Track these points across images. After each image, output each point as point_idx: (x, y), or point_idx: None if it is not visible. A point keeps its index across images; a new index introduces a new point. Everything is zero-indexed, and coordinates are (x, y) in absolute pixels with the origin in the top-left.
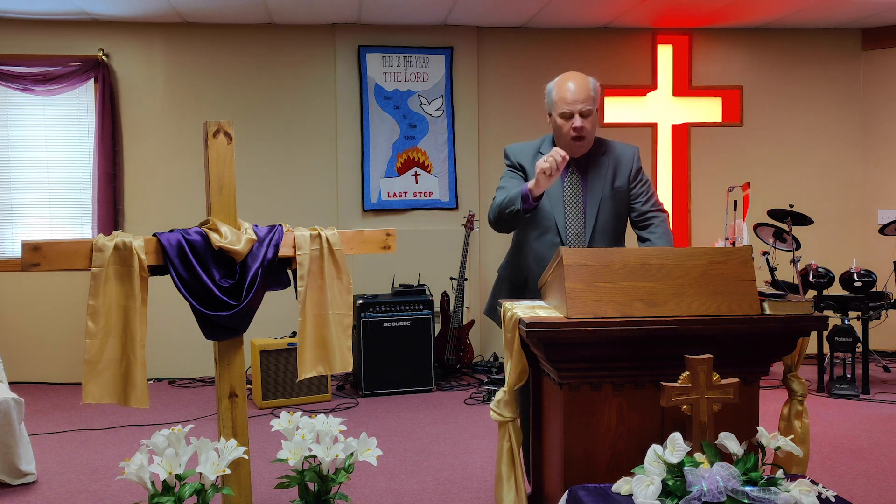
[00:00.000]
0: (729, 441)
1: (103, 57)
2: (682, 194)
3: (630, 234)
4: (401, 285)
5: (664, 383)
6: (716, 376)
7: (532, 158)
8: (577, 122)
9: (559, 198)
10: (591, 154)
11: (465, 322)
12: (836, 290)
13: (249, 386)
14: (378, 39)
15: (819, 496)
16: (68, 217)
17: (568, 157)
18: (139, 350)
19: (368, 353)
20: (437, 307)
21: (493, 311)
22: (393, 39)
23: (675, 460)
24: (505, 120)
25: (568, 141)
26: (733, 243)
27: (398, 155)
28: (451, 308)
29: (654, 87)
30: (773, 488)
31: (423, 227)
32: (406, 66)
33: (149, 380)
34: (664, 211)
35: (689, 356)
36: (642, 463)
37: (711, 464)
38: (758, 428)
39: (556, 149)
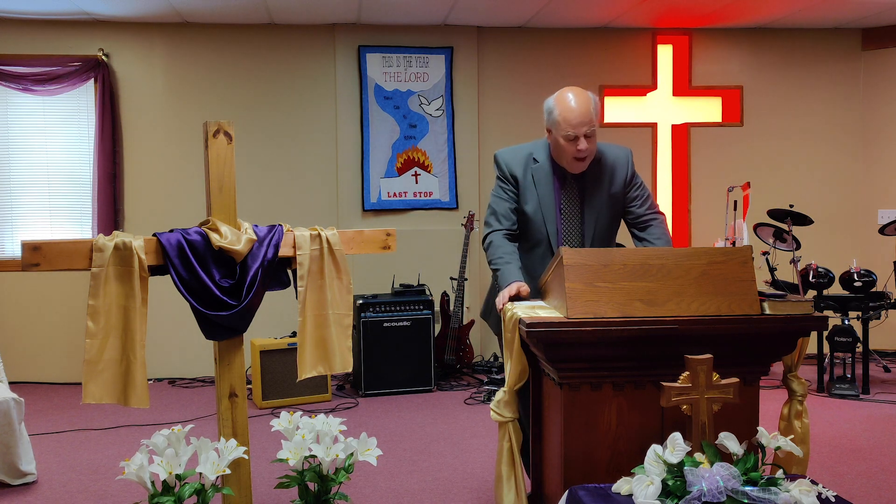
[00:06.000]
0: (729, 441)
1: (103, 57)
2: (682, 194)
3: (623, 237)
4: (401, 285)
5: (664, 383)
6: (716, 376)
7: (524, 167)
8: (583, 144)
9: (553, 209)
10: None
11: (465, 322)
12: (836, 290)
13: (249, 386)
14: (378, 39)
15: (819, 496)
16: (68, 217)
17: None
18: (139, 350)
19: (368, 353)
20: (437, 307)
21: (487, 314)
22: (393, 39)
23: (675, 460)
24: (505, 120)
25: (569, 160)
26: (733, 243)
27: (398, 155)
28: (451, 308)
29: (654, 87)
30: (773, 488)
31: (423, 227)
32: (406, 66)
33: (149, 380)
34: (662, 213)
35: (689, 356)
36: (642, 463)
37: (711, 464)
38: (758, 428)
39: (509, 288)
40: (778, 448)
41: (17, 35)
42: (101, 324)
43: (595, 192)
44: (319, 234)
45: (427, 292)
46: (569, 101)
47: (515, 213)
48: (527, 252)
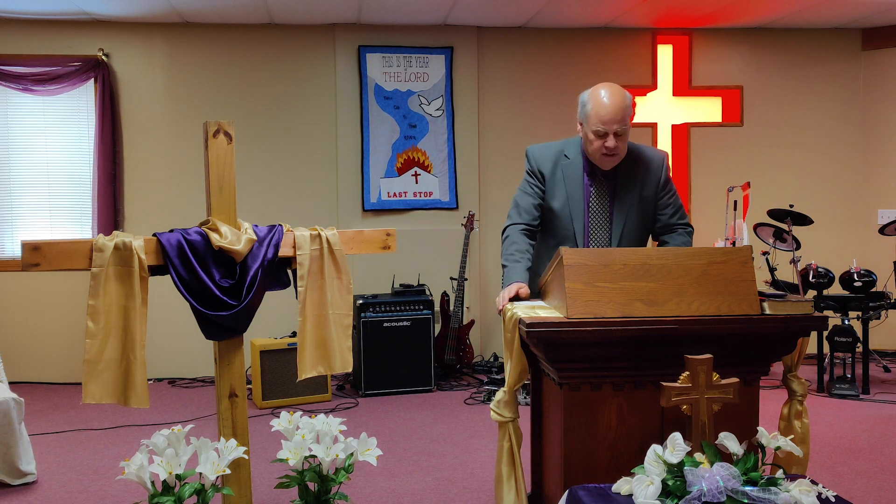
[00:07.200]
0: (729, 441)
1: (103, 57)
2: (682, 194)
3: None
4: (401, 285)
5: (664, 383)
6: (716, 376)
7: (554, 163)
8: (611, 142)
9: (582, 206)
10: (619, 161)
11: (465, 322)
12: (836, 290)
13: (249, 386)
14: (378, 39)
15: (819, 496)
16: (68, 217)
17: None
18: (139, 350)
19: (368, 353)
20: (437, 307)
21: None
22: (393, 39)
23: (675, 460)
24: (505, 120)
25: (598, 156)
26: (733, 243)
27: (398, 155)
28: (451, 308)
29: (654, 87)
30: (773, 488)
31: (423, 227)
32: (406, 66)
33: (149, 380)
34: (691, 226)
35: (689, 356)
36: (642, 463)
37: (711, 464)
38: (758, 428)
39: (509, 289)
40: (778, 448)
41: (17, 35)
42: (101, 324)
43: (626, 192)
44: (319, 234)
45: (427, 292)
46: (602, 96)
47: (538, 209)
48: (553, 248)
